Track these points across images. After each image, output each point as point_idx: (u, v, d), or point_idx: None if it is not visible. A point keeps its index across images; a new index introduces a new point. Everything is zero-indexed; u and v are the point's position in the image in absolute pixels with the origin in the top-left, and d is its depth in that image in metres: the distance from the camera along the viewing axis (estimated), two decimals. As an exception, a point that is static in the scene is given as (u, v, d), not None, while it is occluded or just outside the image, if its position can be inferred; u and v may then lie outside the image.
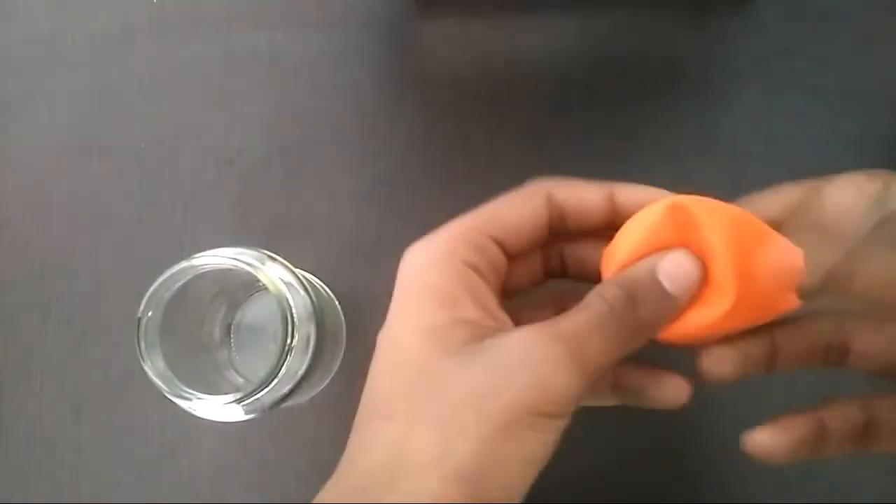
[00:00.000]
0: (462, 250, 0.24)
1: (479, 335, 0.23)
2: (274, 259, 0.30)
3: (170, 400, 0.29)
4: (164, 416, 0.38)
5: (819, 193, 0.25)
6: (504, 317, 0.25)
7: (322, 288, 0.38)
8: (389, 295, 0.39)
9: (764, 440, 0.24)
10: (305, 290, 0.30)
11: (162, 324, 0.29)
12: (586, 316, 0.23)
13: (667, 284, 0.23)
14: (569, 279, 0.29)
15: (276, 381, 0.28)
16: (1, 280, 0.41)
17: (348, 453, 0.23)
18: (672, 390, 0.26)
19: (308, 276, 0.37)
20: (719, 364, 0.25)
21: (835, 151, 0.40)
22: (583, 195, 0.26)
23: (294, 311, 0.29)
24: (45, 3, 0.44)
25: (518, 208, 0.26)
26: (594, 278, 0.26)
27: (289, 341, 0.29)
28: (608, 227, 0.26)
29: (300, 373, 0.30)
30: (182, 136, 0.42)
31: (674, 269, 0.24)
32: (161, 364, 0.29)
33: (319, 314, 0.31)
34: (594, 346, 0.22)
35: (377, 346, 0.25)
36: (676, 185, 0.40)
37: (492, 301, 0.25)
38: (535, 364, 0.22)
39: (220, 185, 0.41)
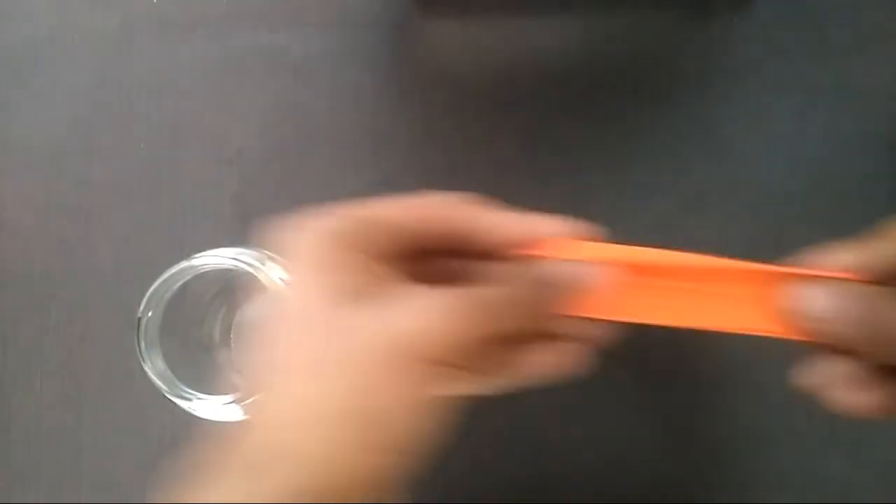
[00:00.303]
0: (347, 227, 0.25)
1: (372, 293, 0.22)
2: (274, 259, 0.30)
3: (170, 400, 0.29)
4: (164, 416, 0.38)
5: None
6: (398, 275, 0.25)
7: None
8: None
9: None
10: (305, 290, 0.30)
11: (162, 324, 0.29)
12: (492, 288, 0.23)
13: (573, 268, 0.25)
14: None
15: (276, 381, 0.28)
16: (1, 280, 0.41)
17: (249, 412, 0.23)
18: (556, 354, 0.26)
19: (308, 276, 0.37)
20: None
21: (835, 151, 0.40)
22: (492, 223, 0.26)
23: (294, 311, 0.29)
24: (45, 3, 0.44)
25: (406, 208, 0.27)
26: None
27: (289, 341, 0.29)
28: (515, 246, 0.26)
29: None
30: (182, 136, 0.42)
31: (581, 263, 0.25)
32: (161, 364, 0.29)
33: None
34: (491, 308, 0.23)
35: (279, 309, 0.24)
36: (677, 184, 0.40)
37: (386, 266, 0.25)
38: (422, 310, 0.22)
39: (220, 185, 0.41)
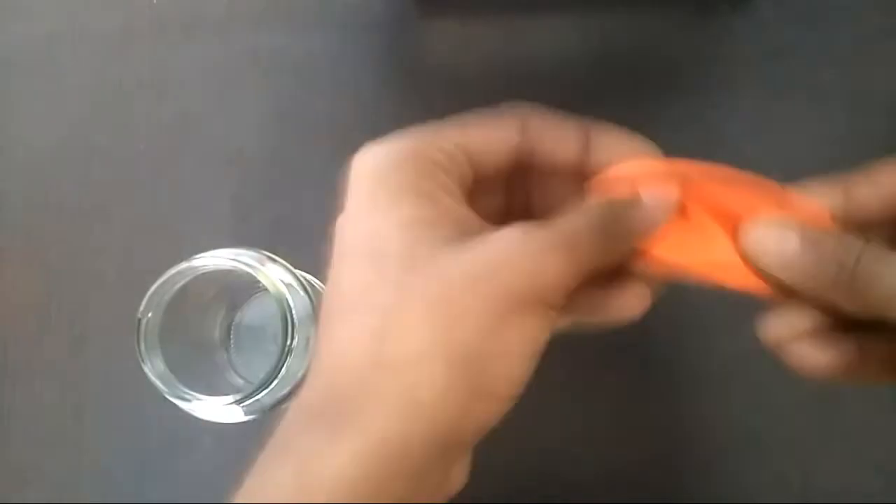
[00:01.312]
0: (433, 153, 0.22)
1: (464, 229, 0.21)
2: (274, 260, 0.30)
3: (170, 400, 0.29)
4: (164, 417, 0.38)
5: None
6: (479, 219, 0.23)
7: (322, 288, 0.38)
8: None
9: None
10: (305, 290, 0.30)
11: (162, 325, 0.29)
12: (578, 218, 0.22)
13: (648, 199, 0.23)
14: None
15: (276, 382, 0.28)
16: (1, 280, 0.41)
17: (318, 359, 0.21)
18: (633, 297, 0.24)
19: (308, 276, 0.37)
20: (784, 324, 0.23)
21: (835, 151, 0.40)
22: (559, 134, 0.25)
23: (294, 312, 0.29)
24: (45, 3, 0.44)
25: (491, 129, 0.24)
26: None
27: (289, 342, 0.29)
28: (576, 172, 0.25)
29: (300, 374, 0.30)
30: (182, 137, 0.42)
31: (655, 190, 0.24)
32: (161, 365, 0.29)
33: (319, 315, 0.31)
34: (586, 251, 0.21)
35: (339, 241, 0.23)
36: (676, 185, 0.40)
37: (464, 203, 0.23)
38: (534, 252, 0.20)
39: (220, 185, 0.41)
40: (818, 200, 0.23)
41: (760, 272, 0.22)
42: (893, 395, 0.38)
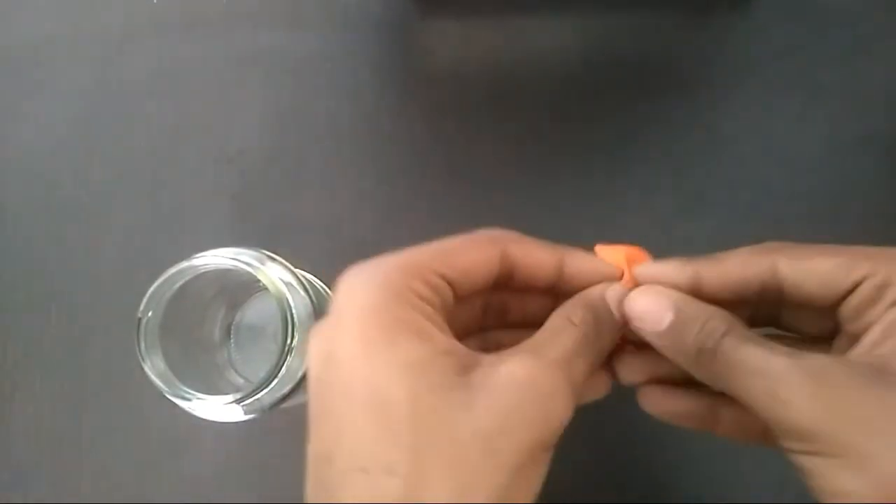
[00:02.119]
0: (419, 287, 0.23)
1: (462, 366, 0.21)
2: (274, 259, 0.30)
3: (170, 400, 0.29)
4: (164, 416, 0.38)
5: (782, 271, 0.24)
6: (463, 346, 0.23)
7: (322, 288, 0.38)
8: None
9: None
10: (305, 290, 0.30)
11: (162, 324, 0.29)
12: (569, 339, 0.23)
13: (614, 311, 0.25)
14: (505, 329, 0.28)
15: (276, 381, 0.28)
16: (1, 280, 0.41)
17: None
18: (597, 384, 0.27)
19: (308, 276, 0.37)
20: (631, 371, 0.26)
21: (835, 151, 0.40)
22: (537, 257, 0.26)
23: (294, 311, 0.29)
24: (45, 3, 0.44)
25: (473, 253, 0.25)
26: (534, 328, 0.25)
27: (289, 341, 0.29)
28: (551, 289, 0.26)
29: (300, 373, 0.30)
30: (182, 136, 0.42)
31: (618, 296, 0.25)
32: (161, 364, 0.29)
33: (319, 314, 0.31)
34: (580, 370, 0.23)
35: (335, 386, 0.21)
36: (677, 184, 0.40)
37: (450, 334, 0.23)
38: (541, 398, 0.21)
39: (220, 185, 0.41)
40: (665, 273, 0.25)
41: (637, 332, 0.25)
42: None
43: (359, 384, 0.21)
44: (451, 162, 0.41)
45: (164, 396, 0.29)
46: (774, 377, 0.21)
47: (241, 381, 0.37)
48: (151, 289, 0.29)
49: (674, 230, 0.40)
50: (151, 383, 0.29)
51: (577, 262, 0.26)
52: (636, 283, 0.26)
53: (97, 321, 0.40)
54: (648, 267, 0.26)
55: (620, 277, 0.26)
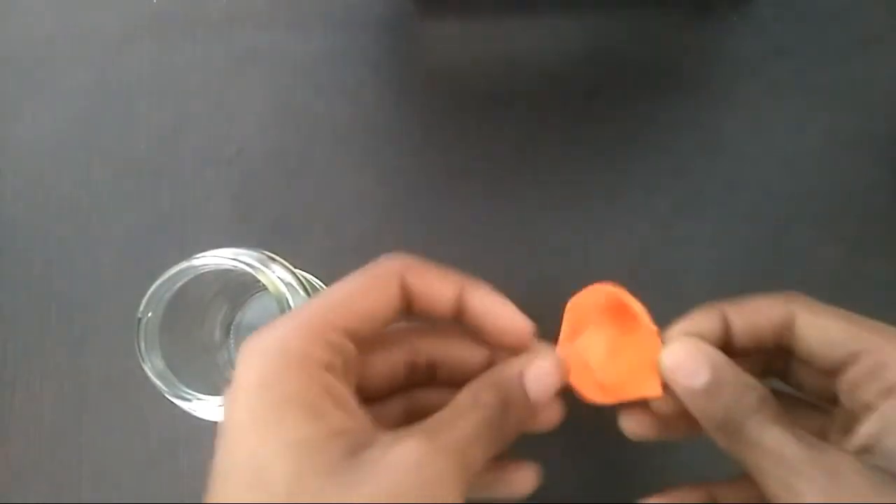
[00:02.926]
0: (316, 351, 0.22)
1: (353, 447, 0.20)
2: (274, 259, 0.30)
3: (170, 400, 0.29)
4: (164, 416, 0.38)
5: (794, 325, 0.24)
6: (366, 418, 0.23)
7: (322, 288, 0.38)
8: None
9: None
10: (305, 290, 0.30)
11: (162, 324, 0.29)
12: (468, 423, 0.22)
13: (531, 390, 0.24)
14: (436, 388, 0.28)
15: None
16: (1, 280, 0.41)
17: None
18: (520, 480, 0.26)
19: (308, 276, 0.37)
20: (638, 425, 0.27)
21: (835, 151, 0.40)
22: (435, 288, 0.25)
23: (294, 311, 0.29)
24: (45, 3, 0.44)
25: (371, 296, 0.24)
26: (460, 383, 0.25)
27: (289, 341, 0.29)
28: (454, 321, 0.26)
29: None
30: (182, 136, 0.42)
31: (538, 376, 0.24)
32: (161, 364, 0.29)
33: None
34: (476, 455, 0.22)
35: (222, 462, 0.21)
36: (676, 184, 0.40)
37: (352, 403, 0.22)
38: (428, 485, 0.20)
39: (220, 185, 0.41)
40: (699, 326, 0.25)
41: (665, 385, 0.25)
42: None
43: (243, 461, 0.20)
44: (450, 162, 0.41)
45: (164, 396, 0.29)
46: (792, 467, 0.21)
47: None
48: (151, 289, 0.29)
49: (674, 230, 0.40)
50: (151, 383, 0.29)
51: (479, 300, 0.26)
52: (615, 328, 0.26)
53: (97, 321, 0.40)
54: (681, 325, 0.25)
55: (526, 333, 0.26)
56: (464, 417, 0.22)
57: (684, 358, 0.24)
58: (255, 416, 0.21)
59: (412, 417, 0.26)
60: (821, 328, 0.23)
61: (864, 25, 0.41)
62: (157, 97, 0.42)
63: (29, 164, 0.42)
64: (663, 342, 0.25)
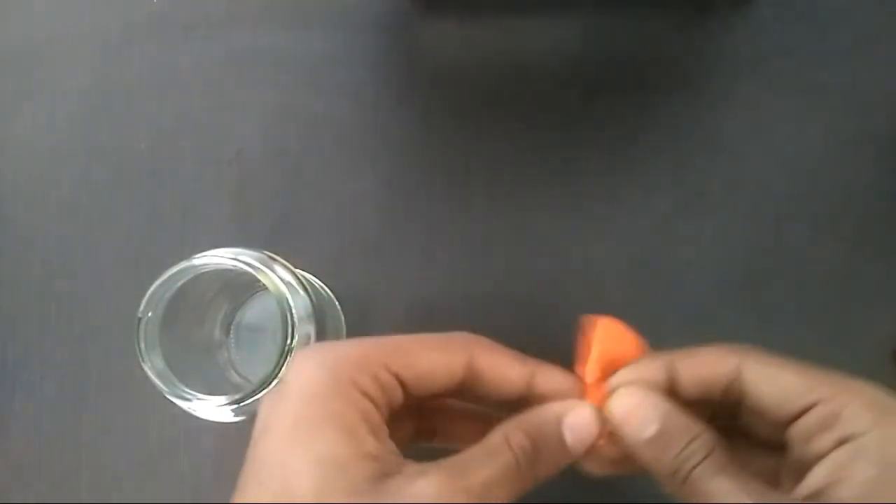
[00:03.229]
0: (364, 382, 0.23)
1: (380, 473, 0.21)
2: (274, 259, 0.30)
3: (169, 400, 0.29)
4: (164, 416, 0.38)
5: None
6: (396, 450, 0.23)
7: (322, 288, 0.38)
8: (389, 295, 0.39)
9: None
10: (305, 290, 0.30)
11: (162, 324, 0.29)
12: (494, 467, 0.22)
13: (569, 438, 0.24)
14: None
15: (275, 381, 0.28)
16: (1, 280, 0.41)
17: None
18: None
19: (308, 276, 0.37)
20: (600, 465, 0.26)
21: (835, 151, 0.40)
22: (506, 371, 0.25)
23: (294, 311, 0.29)
24: (45, 3, 0.44)
25: (437, 361, 0.24)
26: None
27: (289, 342, 0.29)
28: (519, 402, 0.26)
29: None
30: (182, 136, 0.42)
31: (578, 423, 0.24)
32: (161, 364, 0.29)
33: (319, 314, 0.31)
34: (499, 497, 0.22)
35: (256, 462, 0.22)
36: (676, 184, 0.40)
37: (385, 434, 0.23)
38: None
39: (220, 185, 0.41)
40: (645, 375, 0.25)
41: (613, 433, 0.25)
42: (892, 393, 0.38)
43: (274, 468, 0.21)
44: (450, 162, 0.41)
45: (164, 396, 0.29)
46: None
47: (240, 381, 0.37)
48: (151, 289, 0.29)
49: (674, 230, 0.40)
50: (151, 383, 0.29)
51: (550, 381, 0.26)
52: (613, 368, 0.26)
53: (97, 321, 0.40)
54: (624, 373, 0.25)
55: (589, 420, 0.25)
56: (492, 459, 0.23)
57: (633, 407, 0.24)
58: (295, 425, 0.22)
59: (420, 437, 0.27)
60: (770, 382, 0.23)
61: (864, 25, 0.41)
62: (157, 97, 0.42)
63: (29, 164, 0.42)
64: (609, 389, 0.25)
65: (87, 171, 0.42)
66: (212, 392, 0.29)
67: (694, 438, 0.23)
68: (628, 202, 0.40)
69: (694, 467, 0.23)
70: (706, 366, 0.24)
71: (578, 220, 0.40)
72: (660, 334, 0.39)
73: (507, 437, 0.23)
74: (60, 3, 0.43)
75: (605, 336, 0.27)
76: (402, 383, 0.24)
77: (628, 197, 0.40)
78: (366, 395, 0.23)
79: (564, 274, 0.39)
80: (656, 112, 0.41)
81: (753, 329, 0.38)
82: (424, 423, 0.27)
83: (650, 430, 0.23)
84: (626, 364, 0.26)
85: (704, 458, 0.23)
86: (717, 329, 0.38)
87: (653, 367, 0.25)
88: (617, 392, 0.25)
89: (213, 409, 0.29)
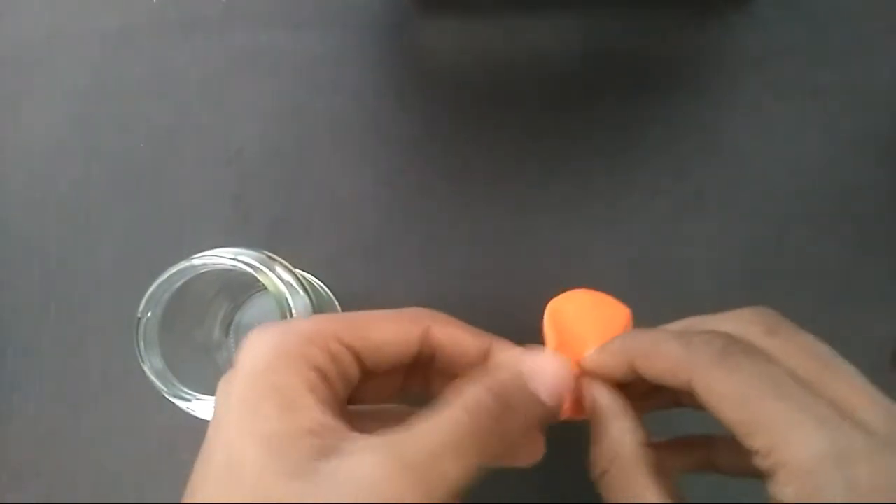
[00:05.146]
0: (313, 353, 0.22)
1: (322, 449, 0.20)
2: (274, 259, 0.30)
3: (169, 400, 0.29)
4: (163, 416, 0.38)
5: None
6: (345, 420, 0.22)
7: (322, 288, 0.38)
8: (389, 295, 0.39)
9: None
10: (305, 290, 0.30)
11: (162, 324, 0.29)
12: (440, 431, 0.20)
13: (543, 388, 0.22)
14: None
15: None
16: (1, 280, 0.41)
17: None
18: (528, 450, 0.25)
19: (308, 276, 0.37)
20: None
21: (835, 151, 0.40)
22: (462, 344, 0.24)
23: (294, 311, 0.29)
24: (45, 3, 0.44)
25: (390, 332, 0.24)
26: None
27: (288, 341, 0.29)
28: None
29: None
30: (182, 136, 0.42)
31: (548, 371, 0.23)
32: (160, 364, 0.29)
33: (319, 314, 0.31)
34: (448, 470, 0.19)
35: (208, 439, 0.22)
36: (676, 184, 0.40)
37: (335, 407, 0.22)
38: (379, 500, 0.19)
39: (220, 185, 0.41)
40: (606, 362, 0.25)
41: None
42: (893, 393, 0.38)
43: (220, 450, 0.21)
44: (450, 162, 0.41)
45: (164, 397, 0.29)
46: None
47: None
48: (151, 289, 0.29)
49: (674, 230, 0.40)
50: (151, 384, 0.29)
51: (506, 353, 0.25)
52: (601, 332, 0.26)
53: (97, 321, 0.40)
54: (591, 356, 0.25)
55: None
56: (443, 423, 0.20)
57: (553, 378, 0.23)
58: (240, 402, 0.21)
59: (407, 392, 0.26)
60: (716, 410, 0.22)
61: (864, 25, 0.41)
62: (157, 97, 0.42)
63: (29, 164, 0.42)
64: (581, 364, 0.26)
65: (86, 171, 0.42)
66: (211, 392, 0.29)
67: (612, 438, 0.24)
68: (628, 202, 0.40)
69: (610, 463, 0.23)
70: (662, 373, 0.23)
71: (578, 219, 0.40)
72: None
73: (461, 395, 0.21)
74: (59, 2, 0.43)
75: (563, 317, 0.27)
76: (357, 356, 0.23)
77: (628, 197, 0.40)
78: (314, 367, 0.22)
79: (565, 274, 0.39)
80: (656, 111, 0.41)
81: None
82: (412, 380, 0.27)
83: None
84: (604, 334, 0.26)
85: (618, 453, 0.23)
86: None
87: (613, 361, 0.25)
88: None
89: (212, 409, 0.28)
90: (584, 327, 0.27)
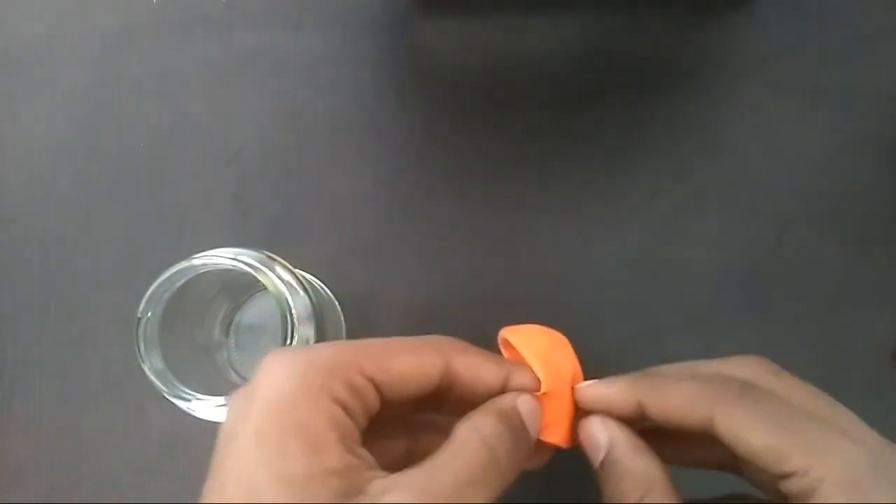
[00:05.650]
0: (336, 386, 0.22)
1: (345, 490, 0.20)
2: (274, 259, 0.30)
3: (169, 400, 0.29)
4: (164, 416, 0.38)
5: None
6: (368, 457, 0.22)
7: (322, 288, 0.38)
8: (389, 295, 0.39)
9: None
10: (305, 290, 0.30)
11: (162, 324, 0.29)
12: (463, 468, 0.21)
13: (529, 424, 0.24)
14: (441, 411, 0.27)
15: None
16: (1, 280, 0.41)
17: None
18: (536, 458, 0.26)
19: (308, 276, 0.37)
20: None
21: (835, 151, 0.40)
22: (482, 373, 0.24)
23: (294, 311, 0.29)
24: (44, 3, 0.44)
25: (413, 364, 0.23)
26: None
27: (288, 342, 0.29)
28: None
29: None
30: (182, 136, 0.42)
31: (532, 408, 0.24)
32: (160, 364, 0.29)
33: (319, 314, 0.31)
34: (478, 497, 0.21)
35: (221, 471, 0.22)
36: (676, 184, 0.40)
37: (356, 441, 0.22)
38: None
39: (220, 185, 0.41)
40: (614, 398, 0.25)
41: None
42: (892, 393, 0.38)
43: (240, 482, 0.21)
44: (450, 162, 0.41)
45: (164, 397, 0.29)
46: None
47: (240, 381, 0.37)
48: (151, 289, 0.29)
49: (674, 230, 0.40)
50: (151, 383, 0.29)
51: (526, 381, 0.25)
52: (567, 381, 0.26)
53: (97, 321, 0.40)
54: (593, 388, 0.26)
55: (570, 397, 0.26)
56: (462, 455, 0.21)
57: (585, 434, 0.25)
58: (260, 435, 0.21)
59: (415, 458, 0.26)
60: (743, 443, 0.22)
61: (864, 25, 0.41)
62: (157, 97, 0.42)
63: (29, 164, 0.42)
64: (575, 394, 0.26)
65: (86, 171, 0.42)
66: (211, 392, 0.29)
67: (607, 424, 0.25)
68: (628, 202, 0.40)
69: (609, 450, 0.24)
70: (676, 411, 0.24)
71: (578, 220, 0.40)
72: (660, 334, 0.39)
73: (476, 428, 0.22)
74: (60, 2, 0.43)
75: (523, 333, 0.27)
76: (377, 388, 0.23)
77: (628, 197, 0.40)
78: (337, 400, 0.21)
79: (565, 274, 0.39)
80: (656, 111, 0.41)
81: (753, 329, 0.38)
82: (416, 443, 0.26)
83: (599, 457, 0.24)
84: (564, 370, 0.26)
85: (616, 438, 0.24)
86: (717, 329, 0.38)
87: (619, 397, 0.25)
88: (585, 419, 0.25)
89: (212, 409, 0.28)
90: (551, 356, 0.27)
